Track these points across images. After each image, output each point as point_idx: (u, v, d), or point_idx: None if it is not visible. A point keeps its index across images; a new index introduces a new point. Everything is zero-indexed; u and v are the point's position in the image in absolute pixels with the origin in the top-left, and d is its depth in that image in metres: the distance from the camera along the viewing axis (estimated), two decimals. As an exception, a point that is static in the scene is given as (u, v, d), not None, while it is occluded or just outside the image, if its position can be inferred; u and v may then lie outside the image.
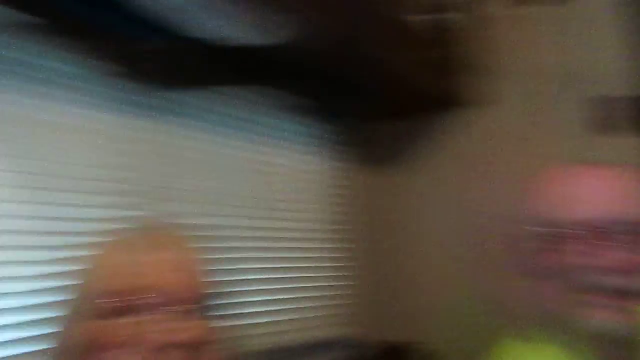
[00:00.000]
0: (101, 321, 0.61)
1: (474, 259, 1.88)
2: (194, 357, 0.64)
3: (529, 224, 0.82)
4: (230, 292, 1.35)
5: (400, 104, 1.90)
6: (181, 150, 1.39)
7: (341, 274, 1.86)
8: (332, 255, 1.85)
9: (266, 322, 1.56)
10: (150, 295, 0.61)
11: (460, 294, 1.87)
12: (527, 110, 1.84)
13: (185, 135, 1.41)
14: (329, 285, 1.81)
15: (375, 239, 2.04)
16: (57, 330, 0.63)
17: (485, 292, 1.80)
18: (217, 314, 0.68)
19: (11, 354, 1.01)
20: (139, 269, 0.63)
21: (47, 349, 0.63)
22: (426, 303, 2.02)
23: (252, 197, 1.57)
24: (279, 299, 1.62)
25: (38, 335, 1.01)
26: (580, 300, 0.76)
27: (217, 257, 1.34)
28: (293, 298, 1.67)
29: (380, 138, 2.08)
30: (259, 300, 1.56)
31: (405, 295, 2.07)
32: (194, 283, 0.66)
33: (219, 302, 0.69)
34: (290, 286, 1.66)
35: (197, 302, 0.66)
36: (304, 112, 1.76)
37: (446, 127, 2.02)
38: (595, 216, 0.77)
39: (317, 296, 1.75)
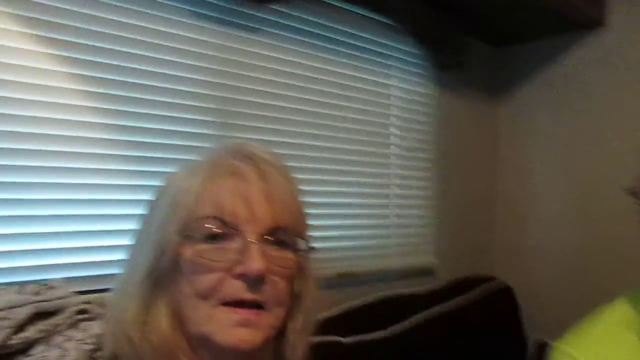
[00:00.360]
0: (206, 245, 0.62)
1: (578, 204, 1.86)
2: (291, 285, 0.66)
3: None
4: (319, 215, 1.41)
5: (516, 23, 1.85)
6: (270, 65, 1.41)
7: (427, 203, 1.84)
8: (420, 184, 1.83)
9: (347, 247, 1.58)
10: (252, 223, 0.62)
11: (556, 236, 1.85)
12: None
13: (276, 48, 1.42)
14: (413, 214, 1.80)
15: (470, 170, 2.01)
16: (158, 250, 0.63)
17: (591, 237, 1.81)
18: (312, 242, 0.69)
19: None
20: (244, 195, 0.63)
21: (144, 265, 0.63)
22: (512, 242, 2.04)
23: (341, 119, 1.57)
24: (363, 224, 1.64)
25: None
26: None
27: (306, 179, 1.37)
28: (375, 224, 1.68)
29: (490, 63, 2.00)
30: (341, 224, 1.57)
31: (494, 232, 2.08)
32: (297, 212, 0.67)
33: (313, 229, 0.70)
34: (374, 212, 1.67)
35: (298, 231, 0.67)
36: (403, 31, 1.71)
37: (561, 51, 1.90)
38: None
39: (400, 223, 1.75)
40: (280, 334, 0.69)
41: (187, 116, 1.24)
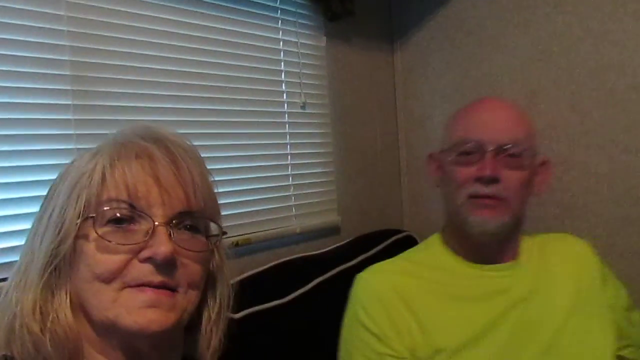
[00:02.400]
0: (110, 227, 0.59)
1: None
2: (206, 269, 0.66)
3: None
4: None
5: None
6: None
7: (327, 159, 1.77)
8: (318, 141, 1.75)
9: (243, 213, 1.49)
10: (162, 206, 0.60)
11: None
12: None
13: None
14: (313, 172, 1.72)
15: (370, 122, 1.94)
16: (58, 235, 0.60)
17: None
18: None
19: None
20: (154, 177, 0.61)
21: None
22: (420, 192, 2.02)
23: (230, 79, 1.45)
24: (260, 187, 1.54)
25: None
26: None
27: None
28: (273, 186, 1.58)
29: (382, 10, 1.83)
30: (236, 190, 1.48)
31: (399, 184, 2.04)
32: (208, 196, 0.66)
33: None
34: (272, 174, 1.58)
35: (209, 215, 0.66)
36: None
37: None
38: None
39: (300, 184, 1.66)
40: (193, 325, 0.67)
41: (37, 86, 1.09)
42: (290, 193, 1.63)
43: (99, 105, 1.19)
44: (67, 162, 0.67)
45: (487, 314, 1.01)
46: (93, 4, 1.18)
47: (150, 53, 1.29)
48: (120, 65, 1.23)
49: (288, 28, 1.65)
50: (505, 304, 1.02)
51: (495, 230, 1.01)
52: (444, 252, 1.11)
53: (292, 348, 1.26)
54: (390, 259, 1.15)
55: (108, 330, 0.60)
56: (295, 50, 1.66)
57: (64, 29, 1.13)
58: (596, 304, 1.05)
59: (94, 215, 0.59)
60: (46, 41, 1.11)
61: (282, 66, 1.63)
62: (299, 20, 1.68)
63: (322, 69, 1.76)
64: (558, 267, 1.08)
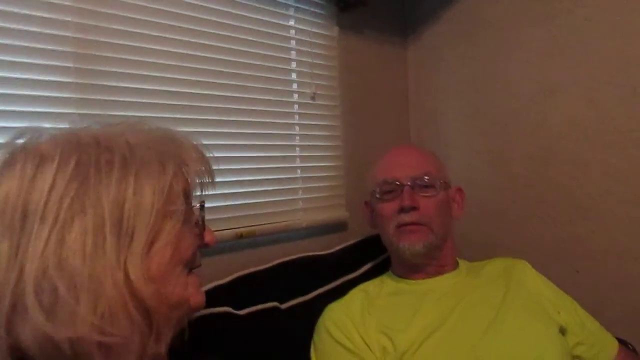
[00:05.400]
0: None
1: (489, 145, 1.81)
2: None
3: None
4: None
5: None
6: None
7: (336, 153, 1.72)
8: (327, 134, 1.70)
9: (249, 204, 1.45)
10: None
11: (471, 179, 1.69)
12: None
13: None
14: (321, 166, 1.67)
15: (380, 117, 1.89)
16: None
17: (505, 178, 1.78)
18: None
19: None
20: None
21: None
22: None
23: (238, 66, 1.40)
24: (267, 179, 1.49)
25: None
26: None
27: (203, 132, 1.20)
28: (281, 178, 1.54)
29: (395, 1, 1.79)
30: (243, 180, 1.44)
31: None
32: None
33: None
34: (279, 165, 1.53)
35: None
36: None
37: None
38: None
39: (308, 177, 1.62)
40: None
41: (41, 78, 1.05)
42: (298, 186, 1.58)
43: (103, 85, 1.14)
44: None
45: (437, 313, 1.14)
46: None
47: (160, 34, 1.25)
48: (128, 45, 1.19)
49: (300, 16, 1.60)
50: (451, 302, 1.16)
51: (423, 250, 1.20)
52: (394, 278, 1.29)
53: (282, 355, 1.18)
54: (351, 291, 1.28)
55: None
56: (307, 39, 1.62)
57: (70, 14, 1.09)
58: (530, 298, 1.18)
59: None
60: (52, 16, 1.06)
61: (293, 55, 1.59)
62: (312, 9, 1.63)
63: (334, 59, 1.71)
64: (491, 270, 1.26)
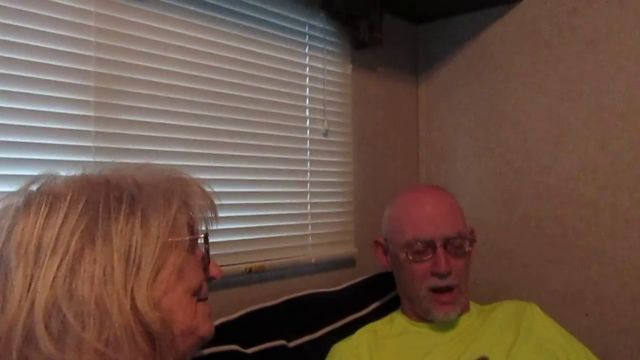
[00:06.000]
0: None
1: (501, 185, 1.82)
2: None
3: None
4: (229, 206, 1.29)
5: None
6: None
7: (347, 189, 1.72)
8: (339, 170, 1.70)
9: (259, 239, 1.45)
10: None
11: (481, 219, 1.54)
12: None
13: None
14: (332, 202, 1.68)
15: (391, 154, 1.90)
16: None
17: (516, 217, 1.78)
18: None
19: None
20: None
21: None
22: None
23: (252, 101, 1.42)
24: (278, 214, 1.50)
25: None
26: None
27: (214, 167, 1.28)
28: (291, 213, 1.54)
29: (408, 40, 1.82)
30: (253, 215, 1.44)
31: None
32: None
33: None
34: (290, 200, 1.53)
35: None
36: (316, 6, 1.60)
37: (480, 27, 1.83)
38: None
39: (319, 212, 1.62)
40: None
41: (59, 95, 1.07)
42: (307, 222, 1.59)
43: (121, 119, 1.16)
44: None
45: (447, 357, 1.15)
46: (121, 16, 1.17)
47: (175, 70, 1.27)
48: (144, 80, 1.21)
49: (315, 54, 1.63)
50: (461, 345, 1.17)
51: (456, 316, 1.22)
52: (405, 318, 1.29)
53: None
54: (358, 331, 1.27)
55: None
56: (321, 76, 1.64)
57: (92, 39, 1.11)
58: (540, 343, 1.17)
59: None
60: (73, 51, 1.09)
61: (307, 92, 1.61)
62: (327, 47, 1.67)
63: (347, 96, 1.73)
64: (501, 313, 1.26)
